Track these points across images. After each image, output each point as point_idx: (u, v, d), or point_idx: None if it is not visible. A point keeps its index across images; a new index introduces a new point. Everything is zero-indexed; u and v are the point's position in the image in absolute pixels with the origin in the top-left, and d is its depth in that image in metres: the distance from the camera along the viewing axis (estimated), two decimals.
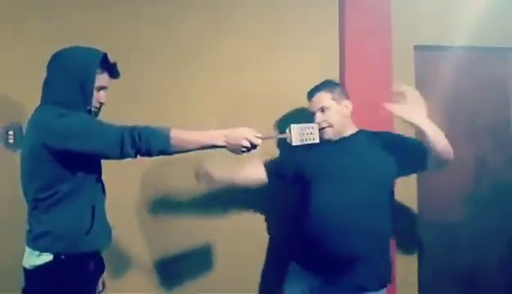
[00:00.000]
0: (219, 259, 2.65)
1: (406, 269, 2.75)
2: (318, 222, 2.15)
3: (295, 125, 1.95)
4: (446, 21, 2.87)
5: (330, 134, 2.23)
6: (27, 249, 1.81)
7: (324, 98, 2.24)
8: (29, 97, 2.37)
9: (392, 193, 2.26)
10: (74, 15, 2.56)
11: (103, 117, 1.93)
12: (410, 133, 2.81)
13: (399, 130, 2.76)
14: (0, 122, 2.48)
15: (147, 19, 2.64)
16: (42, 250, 1.77)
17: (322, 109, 2.23)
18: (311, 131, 1.97)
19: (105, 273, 2.00)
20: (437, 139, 2.04)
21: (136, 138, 1.71)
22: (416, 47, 2.88)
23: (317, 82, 2.33)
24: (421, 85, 2.91)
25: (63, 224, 1.77)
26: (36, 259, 1.77)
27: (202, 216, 2.65)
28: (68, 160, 1.75)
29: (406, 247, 2.75)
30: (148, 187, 2.63)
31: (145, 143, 1.72)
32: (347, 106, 2.27)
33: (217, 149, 1.81)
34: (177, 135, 1.75)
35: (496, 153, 3.04)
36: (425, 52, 2.91)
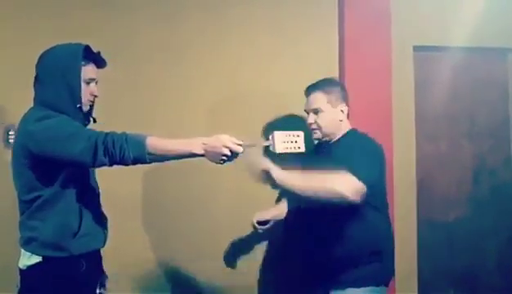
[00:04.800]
0: (220, 259, 2.66)
1: (405, 268, 2.76)
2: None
3: (278, 132, 1.86)
4: (446, 22, 2.87)
5: (318, 135, 2.22)
6: (21, 250, 1.81)
7: (319, 99, 2.19)
8: (29, 97, 2.39)
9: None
10: (74, 14, 2.57)
11: (99, 114, 1.93)
12: (410, 132, 2.85)
13: (399, 129, 2.78)
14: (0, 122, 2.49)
15: (144, 18, 2.64)
16: (32, 253, 1.77)
17: (315, 111, 2.20)
18: (295, 139, 1.88)
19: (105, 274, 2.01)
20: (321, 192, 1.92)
21: (110, 145, 1.63)
22: (416, 48, 2.88)
23: None
24: (421, 85, 2.93)
25: (48, 229, 1.75)
26: (27, 260, 1.78)
27: (203, 216, 2.66)
28: (48, 164, 1.70)
29: (405, 247, 2.76)
30: (149, 186, 2.63)
31: (118, 150, 1.63)
32: (342, 110, 2.20)
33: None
34: (154, 143, 1.67)
35: (495, 152, 3.05)
36: (425, 53, 2.92)
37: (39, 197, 1.75)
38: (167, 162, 2.47)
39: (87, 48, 1.83)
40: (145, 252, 2.61)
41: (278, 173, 1.92)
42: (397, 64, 2.78)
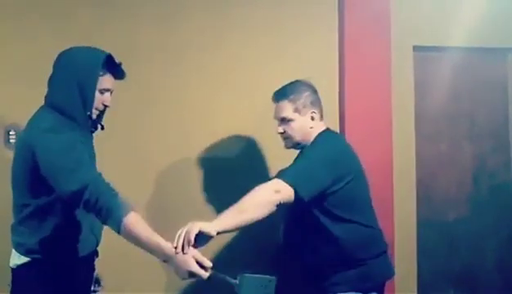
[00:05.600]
0: (221, 260, 2.66)
1: (405, 268, 2.76)
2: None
3: (249, 276, 1.68)
4: (446, 22, 2.87)
5: (288, 145, 2.18)
6: (12, 250, 1.82)
7: (285, 109, 2.10)
8: (29, 97, 2.39)
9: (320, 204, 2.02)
10: (74, 14, 2.57)
11: None
12: (410, 132, 2.85)
13: (399, 129, 2.78)
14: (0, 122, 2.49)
15: (145, 18, 2.64)
16: (21, 255, 1.78)
17: (284, 120, 2.11)
18: (266, 284, 1.70)
19: (103, 273, 2.01)
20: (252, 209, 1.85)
21: (93, 202, 1.62)
22: (415, 48, 2.88)
23: (316, 83, 2.24)
24: (420, 85, 2.93)
25: (38, 237, 1.75)
26: (17, 259, 1.78)
27: (204, 216, 2.65)
28: (42, 175, 1.69)
29: (405, 247, 2.76)
30: (149, 187, 2.63)
31: (98, 212, 1.64)
32: (312, 117, 2.11)
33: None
34: (131, 225, 1.64)
35: (494, 153, 3.05)
36: (424, 53, 2.92)
37: (33, 203, 1.74)
38: (168, 162, 2.49)
39: (110, 57, 1.80)
40: (145, 252, 2.61)
41: (211, 229, 1.76)
42: (396, 64, 2.78)
